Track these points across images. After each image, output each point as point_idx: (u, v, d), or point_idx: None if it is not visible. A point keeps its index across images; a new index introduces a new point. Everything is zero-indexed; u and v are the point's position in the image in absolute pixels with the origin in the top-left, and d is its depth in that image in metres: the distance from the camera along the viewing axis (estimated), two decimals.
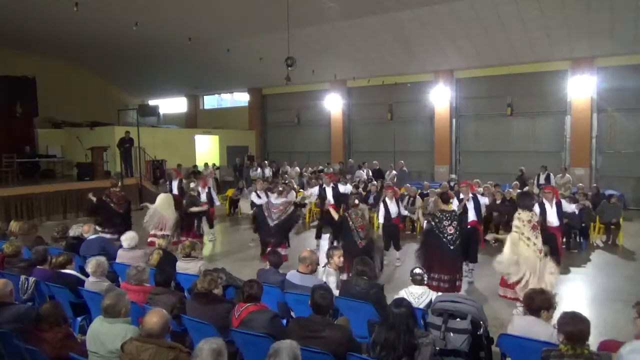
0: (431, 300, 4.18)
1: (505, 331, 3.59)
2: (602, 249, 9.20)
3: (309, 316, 3.46)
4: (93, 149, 14.52)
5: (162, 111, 23.73)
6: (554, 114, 14.84)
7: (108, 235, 8.03)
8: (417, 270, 4.49)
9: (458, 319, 3.68)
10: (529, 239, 5.29)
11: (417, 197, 10.95)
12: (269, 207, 7.91)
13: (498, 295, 5.94)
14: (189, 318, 3.77)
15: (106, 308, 3.28)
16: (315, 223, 10.44)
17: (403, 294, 4.31)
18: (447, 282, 5.77)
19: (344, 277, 5.55)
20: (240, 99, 23.75)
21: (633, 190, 13.65)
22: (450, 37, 14.01)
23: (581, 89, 13.90)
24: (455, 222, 5.90)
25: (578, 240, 9.30)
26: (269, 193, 8.57)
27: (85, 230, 6.35)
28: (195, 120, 23.50)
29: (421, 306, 4.15)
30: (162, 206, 8.61)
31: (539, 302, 3.49)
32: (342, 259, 4.94)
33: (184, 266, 5.31)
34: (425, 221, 6.52)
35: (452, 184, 12.20)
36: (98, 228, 8.13)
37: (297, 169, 17.00)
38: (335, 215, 7.69)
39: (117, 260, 5.63)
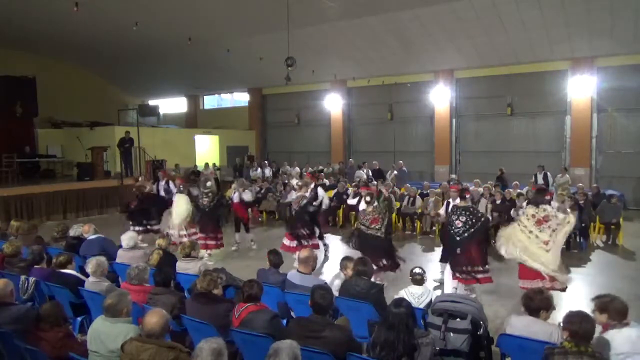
0: (431, 300, 4.19)
1: (503, 332, 3.59)
2: (602, 249, 9.20)
3: (309, 316, 3.46)
4: (93, 149, 14.51)
5: (162, 111, 23.75)
6: (554, 114, 14.84)
7: (156, 227, 9.13)
8: (417, 270, 4.49)
9: (458, 319, 3.68)
10: (531, 231, 5.48)
11: (417, 197, 10.96)
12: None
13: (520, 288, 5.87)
14: (189, 318, 3.77)
15: (108, 307, 3.28)
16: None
17: (403, 294, 4.31)
18: (464, 272, 5.94)
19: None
20: (240, 99, 23.74)
21: (633, 190, 13.65)
22: (450, 37, 14.01)
23: (581, 89, 13.90)
24: (463, 217, 6.08)
25: (578, 240, 9.30)
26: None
27: (85, 230, 6.36)
28: (195, 120, 23.49)
29: (421, 306, 4.15)
30: (175, 205, 8.71)
31: (538, 302, 3.49)
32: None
33: (183, 266, 5.31)
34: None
35: (451, 183, 12.18)
36: (138, 228, 8.99)
37: (297, 169, 16.99)
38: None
39: (117, 260, 5.64)
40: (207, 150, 19.91)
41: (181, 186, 9.34)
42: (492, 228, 9.34)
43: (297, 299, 4.33)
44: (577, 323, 2.90)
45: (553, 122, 14.91)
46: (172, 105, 25.26)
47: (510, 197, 9.99)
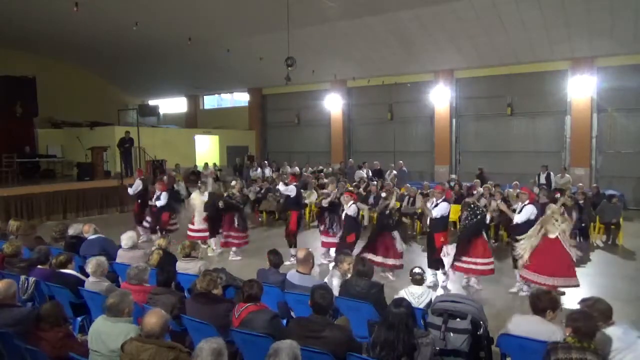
0: (431, 300, 4.19)
1: (505, 331, 3.59)
2: (602, 249, 9.20)
3: (309, 316, 3.46)
4: (93, 149, 14.51)
5: (162, 111, 23.76)
6: (554, 114, 14.84)
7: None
8: (417, 270, 4.49)
9: (458, 319, 3.68)
10: (557, 220, 6.15)
11: (418, 196, 10.92)
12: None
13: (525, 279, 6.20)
14: (189, 318, 3.77)
15: (110, 307, 3.29)
16: (315, 223, 10.44)
17: (403, 294, 4.31)
18: (463, 262, 6.46)
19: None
20: (240, 99, 23.75)
21: (633, 190, 13.65)
22: (450, 37, 14.01)
23: (581, 89, 13.90)
24: (465, 212, 6.72)
25: (578, 240, 9.29)
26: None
27: (86, 230, 6.35)
28: (195, 120, 23.50)
29: (421, 306, 4.15)
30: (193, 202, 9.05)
31: (545, 303, 3.46)
32: (351, 266, 4.75)
33: (184, 266, 5.30)
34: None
35: (452, 184, 12.22)
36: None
37: (297, 169, 16.99)
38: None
39: (117, 260, 5.63)
40: (207, 150, 19.93)
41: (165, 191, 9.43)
42: (493, 227, 9.39)
43: (297, 299, 4.33)
44: (580, 320, 2.93)
45: (553, 122, 14.91)
46: (172, 105, 25.26)
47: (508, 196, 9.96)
